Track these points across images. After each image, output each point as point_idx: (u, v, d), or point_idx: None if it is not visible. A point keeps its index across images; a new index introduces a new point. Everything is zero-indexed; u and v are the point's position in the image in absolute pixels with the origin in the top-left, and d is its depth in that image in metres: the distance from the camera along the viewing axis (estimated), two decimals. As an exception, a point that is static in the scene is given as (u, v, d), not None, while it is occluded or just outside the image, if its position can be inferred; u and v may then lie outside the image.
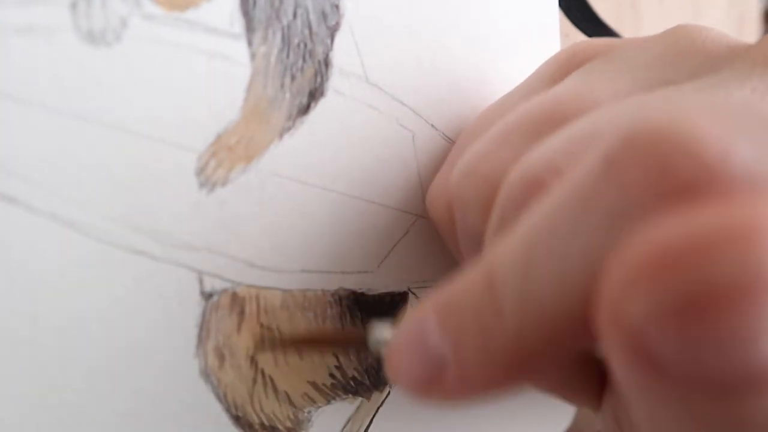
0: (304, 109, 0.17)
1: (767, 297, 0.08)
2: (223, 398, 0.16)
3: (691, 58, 0.14)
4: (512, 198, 0.13)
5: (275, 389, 0.17)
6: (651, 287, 0.09)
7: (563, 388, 0.15)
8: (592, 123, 0.13)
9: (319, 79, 0.17)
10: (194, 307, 0.15)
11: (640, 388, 0.10)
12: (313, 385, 0.18)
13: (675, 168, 0.09)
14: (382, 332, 0.14)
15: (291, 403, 0.17)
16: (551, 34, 0.22)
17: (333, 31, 0.17)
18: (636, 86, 0.14)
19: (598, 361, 0.15)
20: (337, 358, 0.18)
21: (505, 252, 0.11)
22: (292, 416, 0.17)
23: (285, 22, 0.16)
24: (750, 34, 0.48)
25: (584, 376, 0.15)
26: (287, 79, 0.16)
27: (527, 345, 0.11)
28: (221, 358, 0.16)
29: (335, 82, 0.17)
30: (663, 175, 0.10)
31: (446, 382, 0.12)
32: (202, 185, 0.15)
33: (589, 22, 0.24)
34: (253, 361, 0.17)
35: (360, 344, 0.15)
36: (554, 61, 0.17)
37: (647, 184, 0.10)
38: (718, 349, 0.08)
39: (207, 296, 0.16)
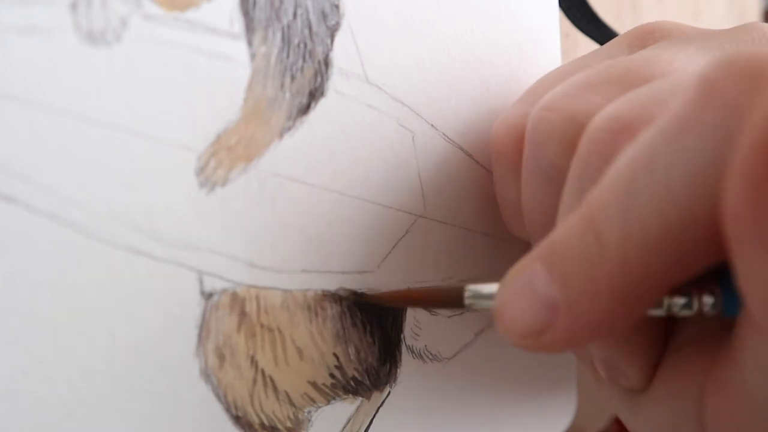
0: (304, 109, 0.17)
1: None
2: (223, 398, 0.16)
3: (762, 46, 0.15)
4: (600, 142, 0.13)
5: (275, 389, 0.17)
6: None
7: (621, 354, 0.15)
8: (677, 79, 0.13)
9: (319, 79, 0.17)
10: (194, 307, 0.15)
11: None
12: (313, 385, 0.18)
13: None
14: (478, 290, 0.15)
15: (291, 403, 0.17)
16: (551, 34, 0.22)
17: (333, 31, 0.17)
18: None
19: (660, 336, 0.15)
20: (337, 358, 0.18)
21: (603, 190, 0.12)
22: (292, 416, 0.17)
23: (285, 22, 0.16)
24: None
25: (645, 345, 0.15)
26: (287, 79, 0.16)
27: (632, 272, 0.11)
28: (221, 358, 0.16)
29: (335, 82, 0.17)
30: (761, 80, 0.10)
31: (557, 326, 0.12)
32: (202, 185, 0.15)
33: (589, 22, 0.24)
34: (253, 361, 0.17)
35: (457, 303, 0.16)
36: (633, 32, 0.18)
37: (748, 92, 0.10)
38: None
39: (207, 296, 0.16)
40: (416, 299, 0.18)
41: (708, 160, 0.10)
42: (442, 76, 0.19)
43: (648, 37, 0.17)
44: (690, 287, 0.13)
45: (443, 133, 0.19)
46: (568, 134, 0.15)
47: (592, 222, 0.12)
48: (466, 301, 0.15)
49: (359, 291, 0.18)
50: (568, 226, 0.12)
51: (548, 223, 0.15)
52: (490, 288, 0.15)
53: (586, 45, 0.25)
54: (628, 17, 0.33)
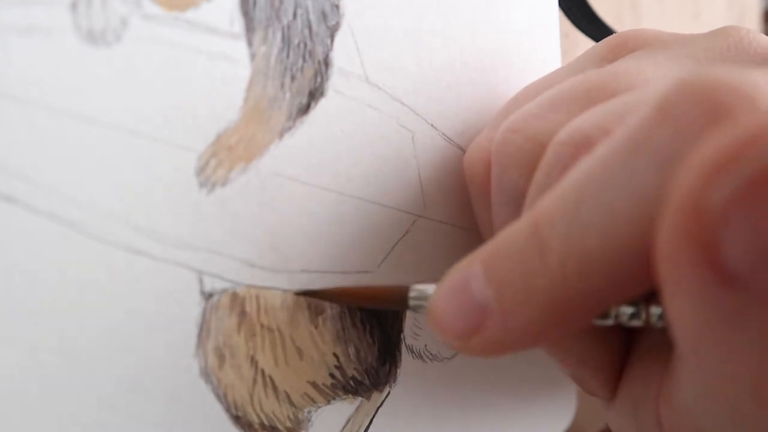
0: (304, 109, 0.17)
1: None
2: (223, 398, 0.16)
3: (737, 54, 0.15)
4: (560, 155, 0.13)
5: (275, 389, 0.17)
6: (727, 173, 0.08)
7: (581, 367, 0.15)
8: (642, 93, 0.13)
9: (319, 79, 0.17)
10: (194, 307, 0.15)
11: (711, 318, 0.09)
12: (313, 385, 0.18)
13: (729, 105, 0.10)
14: (423, 290, 0.15)
15: (291, 403, 0.17)
16: (551, 33, 0.22)
17: (333, 31, 0.17)
18: (684, 73, 0.14)
19: (618, 346, 0.15)
20: (337, 357, 0.18)
21: (551, 200, 0.12)
22: (292, 416, 0.17)
23: (285, 22, 0.16)
24: None
25: (603, 357, 0.15)
26: (287, 79, 0.16)
27: (570, 287, 0.11)
28: (221, 358, 0.16)
29: (335, 82, 0.17)
30: (717, 109, 0.10)
31: (487, 330, 0.12)
32: (202, 185, 0.15)
33: (589, 22, 0.24)
34: (253, 361, 0.17)
35: (400, 302, 0.15)
36: (605, 44, 0.17)
37: (702, 120, 0.10)
38: None
39: (207, 296, 0.16)
40: (361, 297, 0.17)
41: (651, 186, 0.10)
42: (442, 76, 0.19)
43: (621, 48, 0.17)
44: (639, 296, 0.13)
45: (443, 133, 0.19)
46: (531, 155, 0.15)
47: (536, 230, 0.12)
48: (411, 302, 0.15)
49: (306, 289, 0.18)
50: (513, 230, 0.12)
51: None
52: (430, 290, 0.15)
53: (586, 45, 0.25)
54: (628, 17, 0.33)
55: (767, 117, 0.09)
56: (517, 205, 0.15)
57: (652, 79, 0.14)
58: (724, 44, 0.15)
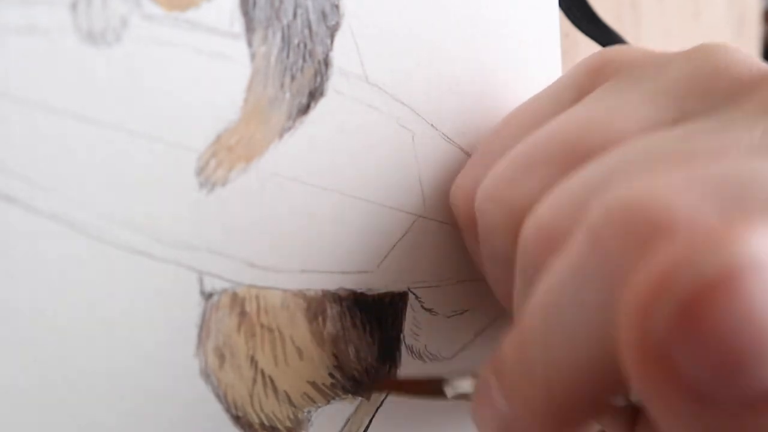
0: (304, 109, 0.17)
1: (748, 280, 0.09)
2: (223, 398, 0.16)
3: (712, 85, 0.14)
4: (529, 253, 0.14)
5: (275, 389, 0.17)
6: (659, 303, 0.09)
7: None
8: (600, 176, 0.13)
9: (319, 79, 0.17)
10: (194, 307, 0.15)
11: (674, 421, 0.10)
12: (313, 385, 0.18)
13: (652, 230, 0.10)
14: (460, 385, 0.16)
15: (291, 403, 0.17)
16: (551, 33, 0.22)
17: (333, 31, 0.17)
18: (658, 116, 0.14)
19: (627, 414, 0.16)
20: (337, 358, 0.18)
21: (528, 318, 0.13)
22: (291, 416, 0.17)
23: (285, 22, 0.16)
24: (750, 34, 0.48)
25: (620, 421, 0.15)
26: (287, 79, 0.16)
27: (556, 397, 0.12)
28: (221, 358, 0.16)
29: (335, 82, 0.17)
30: (641, 235, 0.11)
31: None
32: (202, 185, 0.15)
33: (589, 22, 0.24)
34: (253, 361, 0.17)
35: (439, 395, 0.17)
36: (584, 68, 0.17)
37: (628, 247, 0.11)
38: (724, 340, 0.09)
39: (207, 296, 0.16)
40: (402, 389, 0.18)
41: (599, 311, 0.11)
42: (442, 76, 0.19)
43: (599, 74, 0.17)
44: None
45: (443, 133, 0.19)
46: (511, 225, 0.15)
47: (523, 346, 0.13)
48: (448, 393, 0.17)
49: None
50: (508, 343, 0.13)
51: (511, 293, 0.16)
52: (467, 385, 0.16)
53: (586, 45, 0.25)
54: (628, 17, 0.33)
55: (686, 242, 0.09)
56: (506, 264, 0.16)
57: (623, 133, 0.14)
58: (697, 74, 0.15)
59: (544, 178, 0.15)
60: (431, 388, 0.17)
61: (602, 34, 0.24)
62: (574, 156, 0.14)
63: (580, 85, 0.17)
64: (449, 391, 0.17)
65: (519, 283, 0.15)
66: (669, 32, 0.37)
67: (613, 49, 0.17)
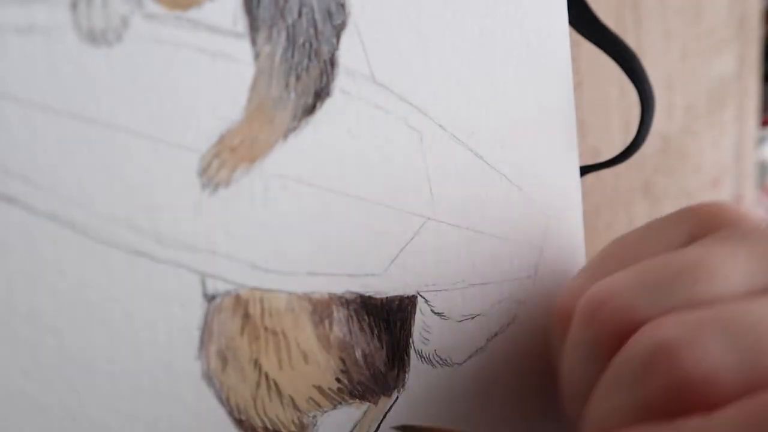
0: (310, 110, 0.16)
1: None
2: (225, 401, 0.16)
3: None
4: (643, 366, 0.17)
5: (279, 393, 0.17)
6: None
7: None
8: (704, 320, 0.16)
9: (324, 79, 0.16)
10: (196, 309, 0.15)
11: None
12: (319, 389, 0.18)
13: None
14: None
15: (295, 407, 0.17)
16: (560, 33, 0.21)
17: (339, 30, 0.16)
18: (754, 279, 0.17)
19: None
20: (344, 362, 0.18)
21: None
22: (296, 420, 0.17)
23: (290, 20, 0.16)
24: (750, 34, 0.47)
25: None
26: (292, 79, 0.16)
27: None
28: (224, 360, 0.16)
29: (341, 81, 0.17)
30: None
31: None
32: (204, 186, 0.15)
33: (589, 23, 0.24)
34: (256, 364, 0.16)
35: None
36: (695, 217, 0.19)
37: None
38: None
39: (210, 298, 0.15)
40: None
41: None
42: (449, 76, 0.19)
43: (710, 225, 0.19)
44: None
45: (451, 134, 0.19)
46: (618, 335, 0.17)
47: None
48: None
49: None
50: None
51: (585, 395, 0.18)
52: None
53: (587, 45, 0.24)
54: (629, 17, 0.32)
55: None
56: (594, 361, 0.18)
57: (726, 276, 0.17)
58: None
59: (657, 301, 0.17)
60: None
61: (602, 34, 0.24)
62: (684, 287, 0.17)
63: (691, 231, 0.19)
64: None
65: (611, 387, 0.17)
66: (670, 32, 0.37)
67: (724, 205, 0.19)
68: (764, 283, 0.17)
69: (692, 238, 0.19)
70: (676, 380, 0.15)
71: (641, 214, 0.38)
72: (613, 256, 0.20)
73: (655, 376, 0.15)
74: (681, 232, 0.19)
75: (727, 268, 0.17)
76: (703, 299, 0.16)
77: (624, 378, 0.16)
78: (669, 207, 0.40)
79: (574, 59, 0.26)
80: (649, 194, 0.39)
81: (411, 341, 0.19)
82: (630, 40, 0.32)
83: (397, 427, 0.19)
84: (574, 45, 0.26)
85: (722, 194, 0.48)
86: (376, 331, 0.18)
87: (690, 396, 0.15)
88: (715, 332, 0.15)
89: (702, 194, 0.45)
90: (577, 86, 0.29)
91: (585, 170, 0.25)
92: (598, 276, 0.19)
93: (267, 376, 0.16)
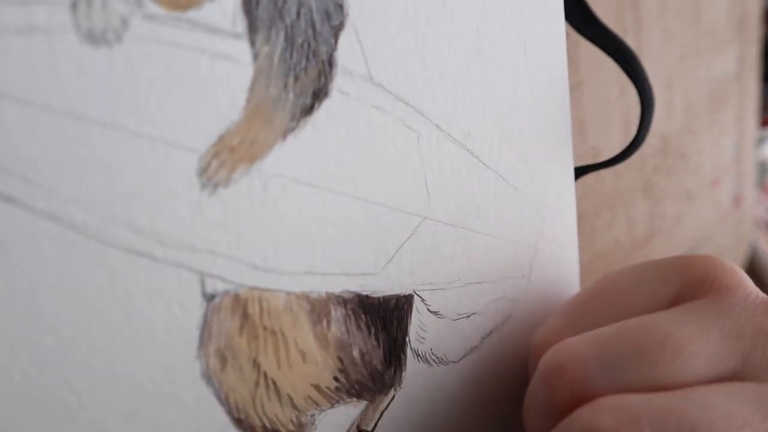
0: (308, 110, 0.16)
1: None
2: (224, 401, 0.16)
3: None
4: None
5: (278, 392, 0.17)
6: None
7: None
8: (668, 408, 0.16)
9: (323, 80, 0.17)
10: (195, 308, 0.15)
11: None
12: (317, 388, 0.18)
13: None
14: None
15: (294, 406, 0.17)
16: (557, 34, 0.21)
17: (337, 31, 0.17)
18: (723, 363, 0.17)
19: None
20: (342, 361, 0.18)
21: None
22: (295, 419, 0.17)
23: (288, 21, 0.16)
24: (750, 34, 0.47)
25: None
26: (290, 80, 0.16)
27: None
28: (223, 360, 0.16)
29: (339, 82, 0.17)
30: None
31: None
32: (203, 186, 0.15)
33: (589, 23, 0.24)
34: (255, 363, 0.16)
35: None
36: (688, 277, 0.19)
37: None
38: None
39: (209, 298, 0.16)
40: None
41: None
42: (447, 77, 0.19)
43: (697, 289, 0.19)
44: None
45: (448, 134, 0.19)
46: (569, 403, 0.17)
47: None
48: None
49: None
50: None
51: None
52: None
53: (587, 45, 0.24)
54: (628, 17, 0.32)
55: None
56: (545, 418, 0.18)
57: (694, 352, 0.17)
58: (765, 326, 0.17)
59: (618, 374, 0.17)
60: None
61: (602, 34, 0.24)
62: (648, 362, 0.17)
63: (678, 290, 0.19)
64: None
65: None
66: (670, 33, 0.37)
67: (718, 267, 0.19)
68: (727, 369, 0.17)
69: (678, 298, 0.19)
70: None
71: (641, 214, 0.38)
72: (595, 305, 0.20)
73: None
74: (668, 290, 0.19)
75: (693, 349, 0.17)
76: (658, 382, 0.17)
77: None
78: (669, 207, 0.40)
79: (574, 59, 0.26)
80: (649, 194, 0.39)
81: (407, 340, 0.19)
82: (630, 40, 0.32)
83: None
84: (574, 45, 0.26)
85: (722, 194, 0.48)
86: (373, 330, 0.19)
87: None
88: (651, 426, 0.15)
89: (702, 194, 0.45)
90: (577, 86, 0.29)
91: (585, 170, 0.25)
92: (576, 324, 0.20)
93: (266, 376, 0.17)
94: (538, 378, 0.18)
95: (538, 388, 0.18)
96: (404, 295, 0.19)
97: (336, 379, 0.18)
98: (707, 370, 0.17)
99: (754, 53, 0.48)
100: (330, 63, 0.17)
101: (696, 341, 0.17)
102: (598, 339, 0.18)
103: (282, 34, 0.16)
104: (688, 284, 0.19)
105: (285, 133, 0.16)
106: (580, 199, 0.29)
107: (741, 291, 0.18)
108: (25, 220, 0.13)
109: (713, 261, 0.19)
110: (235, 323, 0.16)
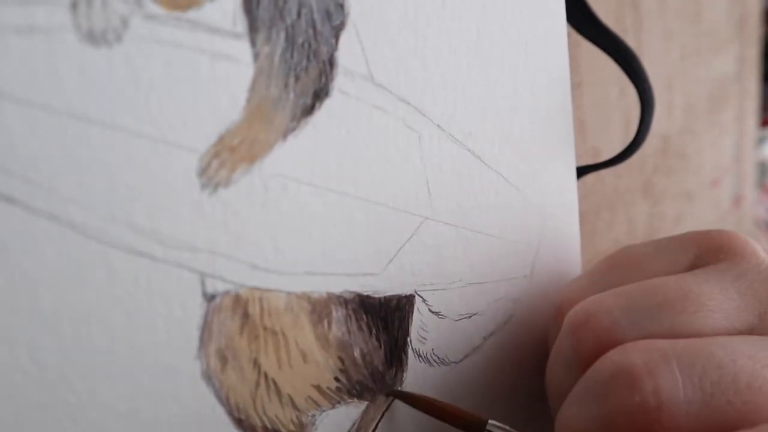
0: (309, 110, 0.16)
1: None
2: (225, 401, 0.16)
3: None
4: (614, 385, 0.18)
5: (278, 392, 0.17)
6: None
7: None
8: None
9: (323, 80, 0.16)
10: (196, 308, 0.15)
11: None
12: (318, 388, 0.18)
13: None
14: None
15: (294, 406, 0.17)
16: (558, 34, 0.21)
17: (337, 31, 0.17)
18: (739, 315, 0.18)
19: None
20: (342, 361, 0.18)
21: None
22: (295, 419, 0.17)
23: (289, 21, 0.16)
24: (750, 34, 0.47)
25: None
26: (291, 79, 0.16)
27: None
28: (223, 360, 0.16)
29: (340, 82, 0.17)
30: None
31: None
32: (204, 186, 0.15)
33: (589, 23, 0.24)
34: (256, 363, 0.16)
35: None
36: (705, 243, 0.20)
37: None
38: None
39: (209, 298, 0.16)
40: (442, 412, 0.19)
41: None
42: (447, 77, 0.19)
43: (715, 254, 0.19)
44: None
45: (450, 134, 0.19)
46: (597, 353, 0.18)
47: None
48: None
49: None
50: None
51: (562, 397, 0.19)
52: None
53: (587, 45, 0.24)
54: (629, 17, 0.32)
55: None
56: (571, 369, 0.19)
57: (714, 307, 0.18)
58: None
59: (642, 323, 0.18)
60: (468, 422, 0.18)
61: (601, 34, 0.24)
62: (671, 312, 0.18)
63: (696, 256, 0.20)
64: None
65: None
66: (670, 32, 0.37)
67: (733, 236, 0.20)
68: (746, 324, 0.18)
69: (695, 264, 0.20)
70: (632, 404, 0.16)
71: (641, 214, 0.38)
72: (619, 268, 0.21)
73: (613, 397, 0.16)
74: (686, 256, 0.20)
75: (714, 304, 0.18)
76: (682, 331, 0.17)
77: (588, 393, 0.17)
78: (669, 207, 0.40)
79: (574, 59, 0.26)
80: (649, 194, 0.39)
81: (409, 340, 0.19)
82: (630, 40, 0.32)
83: (389, 393, 0.19)
84: (574, 45, 0.26)
85: (722, 194, 0.48)
86: (374, 331, 0.19)
87: (645, 420, 0.16)
88: (680, 365, 0.16)
89: (702, 194, 0.45)
90: (577, 86, 0.29)
91: (585, 170, 0.25)
92: (600, 283, 0.20)
93: (266, 376, 0.17)
94: (566, 331, 0.19)
95: (564, 341, 0.19)
96: (405, 296, 0.19)
97: (337, 379, 0.18)
98: (727, 323, 0.17)
99: (754, 53, 0.48)
100: (331, 63, 0.17)
101: (716, 296, 0.18)
102: (624, 293, 0.19)
103: (283, 34, 0.16)
104: (705, 251, 0.20)
105: (285, 133, 0.16)
106: (581, 199, 0.29)
107: (754, 258, 0.19)
108: (25, 220, 0.13)
109: (728, 232, 0.20)
110: (235, 323, 0.16)
